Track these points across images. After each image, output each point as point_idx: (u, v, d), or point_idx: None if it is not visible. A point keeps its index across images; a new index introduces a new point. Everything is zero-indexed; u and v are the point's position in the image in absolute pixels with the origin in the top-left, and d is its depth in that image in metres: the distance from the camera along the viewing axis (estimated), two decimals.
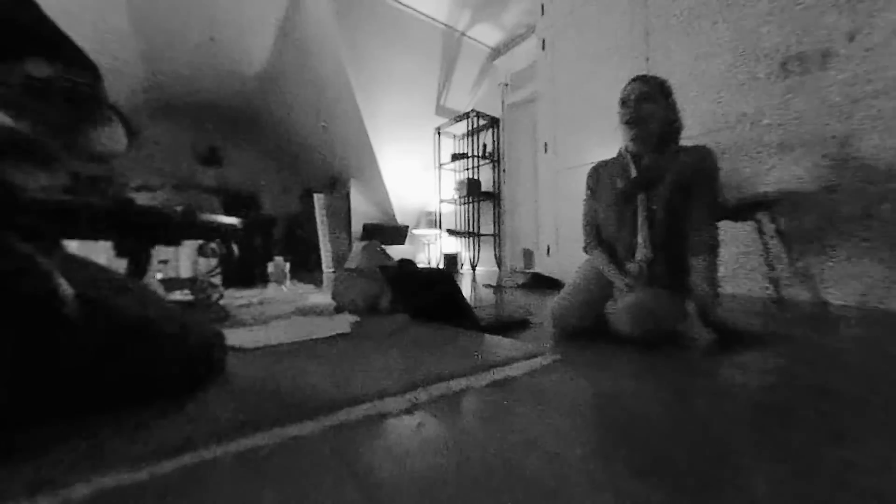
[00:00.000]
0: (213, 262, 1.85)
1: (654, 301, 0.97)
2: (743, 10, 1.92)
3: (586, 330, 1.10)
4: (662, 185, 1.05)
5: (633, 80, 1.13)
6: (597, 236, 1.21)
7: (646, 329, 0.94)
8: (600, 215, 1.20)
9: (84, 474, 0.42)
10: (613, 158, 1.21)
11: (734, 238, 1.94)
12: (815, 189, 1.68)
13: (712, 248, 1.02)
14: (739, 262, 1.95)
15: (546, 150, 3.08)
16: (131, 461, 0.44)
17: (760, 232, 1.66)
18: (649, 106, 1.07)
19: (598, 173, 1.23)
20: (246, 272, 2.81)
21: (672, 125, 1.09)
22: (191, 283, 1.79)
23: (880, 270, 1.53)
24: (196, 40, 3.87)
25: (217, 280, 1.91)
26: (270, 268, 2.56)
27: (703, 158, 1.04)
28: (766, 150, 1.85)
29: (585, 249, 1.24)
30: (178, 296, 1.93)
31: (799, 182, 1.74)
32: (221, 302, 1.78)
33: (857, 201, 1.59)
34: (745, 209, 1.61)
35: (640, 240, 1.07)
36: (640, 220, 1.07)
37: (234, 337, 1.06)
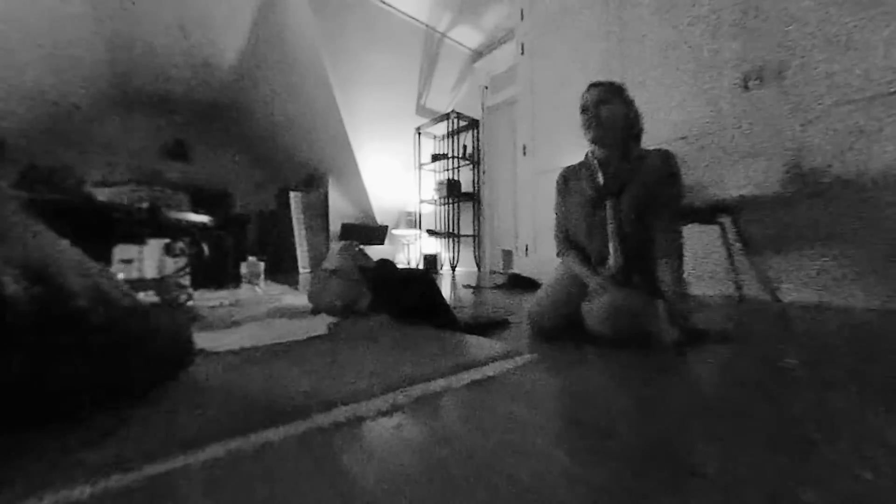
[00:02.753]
0: (181, 261, 1.76)
1: (627, 302, 1.00)
2: (708, 25, 2.02)
3: (561, 330, 1.11)
4: (629, 192, 1.07)
5: (591, 86, 1.15)
6: (569, 241, 1.23)
7: (619, 329, 0.97)
8: (570, 222, 1.22)
9: (37, 488, 0.39)
10: (580, 163, 1.23)
11: (700, 240, 2.04)
12: (774, 194, 1.80)
13: (677, 250, 1.05)
14: (704, 263, 2.05)
15: (525, 153, 3.13)
16: (90, 473, 0.42)
17: (724, 235, 1.76)
18: (608, 109, 1.10)
19: (566, 179, 1.25)
20: (217, 272, 2.71)
21: (633, 126, 1.13)
22: (157, 283, 1.70)
23: (833, 269, 1.65)
24: (163, 27, 3.69)
25: (185, 281, 1.82)
26: (243, 268, 2.48)
27: (666, 163, 1.07)
28: (729, 158, 1.96)
29: (559, 254, 1.26)
30: (142, 297, 1.83)
31: (759, 187, 1.85)
32: (190, 303, 1.70)
33: (810, 205, 1.71)
34: (710, 213, 1.69)
35: (610, 247, 1.09)
36: (609, 226, 1.10)
37: (205, 340, 1.02)
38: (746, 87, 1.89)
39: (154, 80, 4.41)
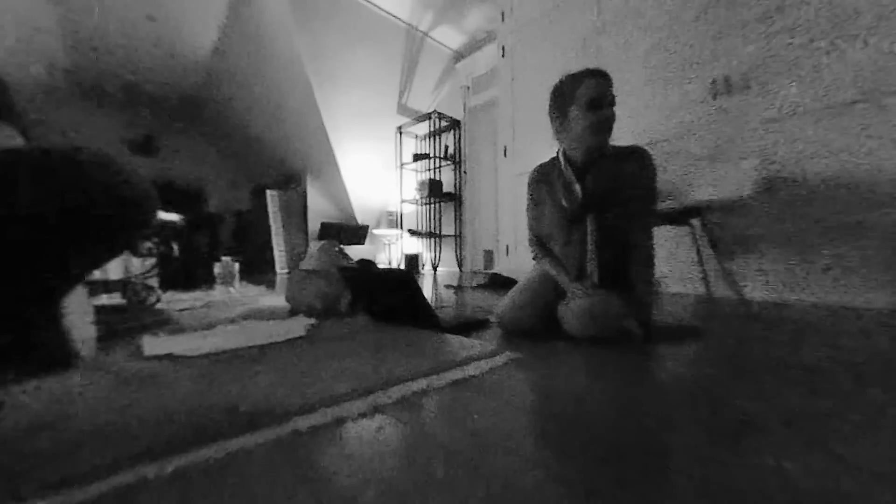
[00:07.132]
0: (150, 262, 1.68)
1: (604, 305, 1.01)
2: (679, 35, 2.11)
3: (529, 331, 1.09)
4: (610, 207, 1.04)
5: (598, 75, 1.03)
6: (544, 246, 1.21)
7: (597, 331, 1.00)
8: (544, 230, 1.19)
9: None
10: (552, 164, 1.18)
11: (673, 241, 2.12)
12: (740, 197, 1.89)
13: (649, 252, 1.07)
14: (676, 263, 2.13)
15: (505, 154, 3.17)
16: (55, 488, 0.39)
17: (694, 236, 1.84)
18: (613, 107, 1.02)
19: (539, 183, 1.20)
20: (188, 273, 2.60)
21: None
22: (122, 285, 1.61)
23: (795, 268, 1.76)
24: (131, 16, 3.51)
25: (154, 282, 1.74)
26: (217, 269, 2.38)
27: (644, 165, 1.05)
28: (698, 162, 2.05)
29: (535, 258, 1.24)
30: (106, 300, 1.73)
31: (727, 191, 1.95)
32: (159, 306, 1.63)
33: (774, 208, 1.81)
34: (681, 215, 1.77)
35: (588, 262, 1.07)
36: (589, 239, 1.06)
37: (175, 343, 0.98)
38: (715, 96, 1.98)
39: (121, 72, 4.19)
